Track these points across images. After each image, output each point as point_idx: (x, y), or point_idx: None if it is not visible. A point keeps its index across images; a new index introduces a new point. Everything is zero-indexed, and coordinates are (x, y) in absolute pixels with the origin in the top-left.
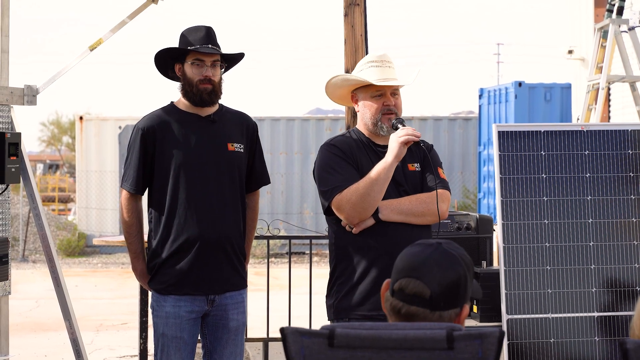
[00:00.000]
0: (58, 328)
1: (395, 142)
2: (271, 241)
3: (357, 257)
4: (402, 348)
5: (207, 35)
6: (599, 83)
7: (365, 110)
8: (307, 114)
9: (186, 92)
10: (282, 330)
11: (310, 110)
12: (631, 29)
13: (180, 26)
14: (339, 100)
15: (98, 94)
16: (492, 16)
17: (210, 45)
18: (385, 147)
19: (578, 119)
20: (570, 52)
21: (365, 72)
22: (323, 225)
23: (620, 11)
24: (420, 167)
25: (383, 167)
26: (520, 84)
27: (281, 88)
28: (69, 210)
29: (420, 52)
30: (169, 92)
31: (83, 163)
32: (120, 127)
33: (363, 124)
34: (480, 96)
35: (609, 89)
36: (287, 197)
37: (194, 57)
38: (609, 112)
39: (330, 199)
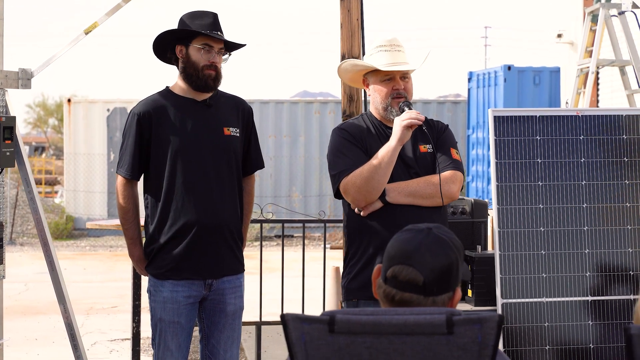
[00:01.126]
0: (48, 311)
1: (398, 125)
2: (256, 224)
3: (367, 239)
4: (402, 333)
5: (215, 21)
6: (588, 67)
7: (376, 95)
8: (294, 96)
9: (189, 75)
10: (282, 316)
11: (297, 93)
12: (621, 13)
13: (171, 10)
14: (352, 83)
15: (85, 76)
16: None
17: (219, 33)
18: None
19: (567, 102)
20: (559, 36)
21: (374, 56)
22: (311, 209)
23: None
24: (433, 148)
25: (387, 151)
26: (509, 67)
27: (268, 70)
28: (56, 192)
29: (410, 36)
30: (157, 75)
31: (71, 146)
32: (108, 110)
33: (374, 108)
34: (470, 79)
35: (597, 73)
36: (276, 180)
37: (202, 41)
38: (598, 96)
39: (337, 182)
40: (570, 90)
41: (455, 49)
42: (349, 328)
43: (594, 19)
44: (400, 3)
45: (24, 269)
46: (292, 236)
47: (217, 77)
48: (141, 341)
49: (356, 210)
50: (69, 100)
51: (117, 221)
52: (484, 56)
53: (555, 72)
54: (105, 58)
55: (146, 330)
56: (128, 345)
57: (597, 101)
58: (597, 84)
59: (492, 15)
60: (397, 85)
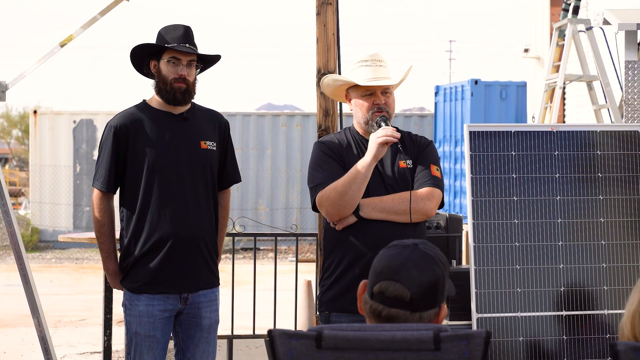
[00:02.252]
0: (16, 324)
1: (374, 142)
2: (227, 238)
3: (341, 252)
4: (389, 349)
5: (185, 34)
6: (556, 82)
7: (357, 110)
8: (258, 109)
9: (160, 89)
10: (269, 332)
11: (262, 105)
12: (589, 28)
13: (140, 23)
14: (336, 97)
15: (49, 88)
16: (445, 14)
17: (187, 45)
18: None
19: (533, 117)
20: (526, 50)
21: (356, 71)
22: (278, 222)
23: (576, 10)
24: (413, 164)
25: (362, 167)
26: (476, 81)
27: (232, 83)
28: (20, 204)
29: (375, 50)
30: (124, 88)
31: (37, 157)
32: (74, 122)
33: (357, 123)
34: (437, 93)
35: (564, 88)
36: (243, 193)
37: (170, 55)
38: (564, 110)
39: (314, 195)
40: (537, 105)
41: (420, 63)
42: (336, 344)
43: (561, 34)
44: (363, 17)
45: None
46: (259, 249)
47: (188, 90)
48: (112, 355)
49: (331, 224)
50: (34, 112)
51: (89, 234)
52: (449, 70)
53: (522, 86)
54: (70, 69)
55: (117, 344)
56: (98, 358)
57: (564, 116)
58: (564, 99)
59: (457, 29)
60: (377, 100)
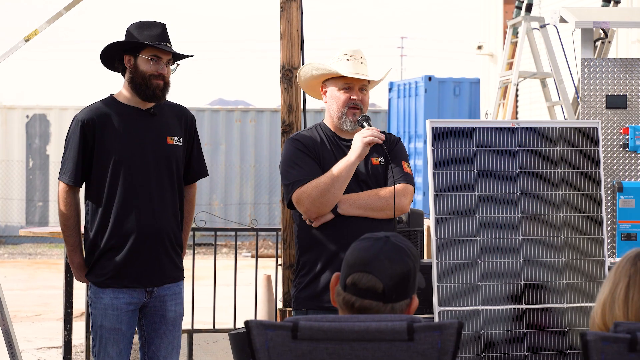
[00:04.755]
0: None
1: (359, 141)
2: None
3: (318, 250)
4: (363, 340)
5: (163, 32)
6: (509, 79)
7: (332, 102)
8: (209, 104)
9: (137, 85)
10: (246, 323)
11: (213, 101)
12: (543, 26)
13: (97, 17)
14: (309, 90)
15: (2, 82)
16: (396, 9)
17: (167, 44)
18: (350, 141)
19: (487, 114)
20: (479, 47)
21: (337, 64)
22: (232, 217)
23: (529, 8)
24: (385, 161)
25: (345, 165)
26: (430, 78)
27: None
28: None
29: (325, 45)
30: (80, 83)
31: None
32: (27, 117)
33: (329, 117)
34: (390, 90)
35: (517, 84)
36: (197, 188)
37: (151, 52)
38: (517, 107)
39: (290, 192)
40: (490, 102)
41: (372, 59)
42: (311, 334)
43: (515, 31)
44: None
45: None
46: (211, 244)
47: (166, 87)
48: (72, 349)
49: (307, 221)
50: None
51: (51, 229)
52: (400, 66)
53: (475, 83)
54: (24, 64)
55: (76, 339)
56: (55, 353)
57: (517, 112)
58: (517, 96)
59: (409, 25)
60: (354, 95)
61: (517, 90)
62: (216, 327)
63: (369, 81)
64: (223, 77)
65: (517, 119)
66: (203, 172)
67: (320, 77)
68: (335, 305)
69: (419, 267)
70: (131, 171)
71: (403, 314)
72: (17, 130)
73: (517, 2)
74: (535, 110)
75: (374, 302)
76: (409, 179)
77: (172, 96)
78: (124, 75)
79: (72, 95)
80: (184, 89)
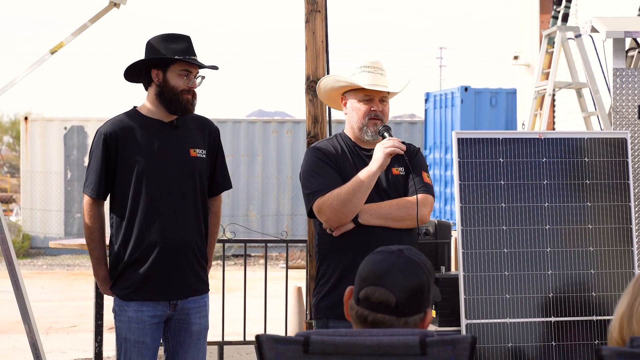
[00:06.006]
0: (7, 331)
1: (381, 152)
2: (217, 244)
3: (338, 259)
4: (375, 354)
5: (190, 46)
6: (545, 89)
7: (353, 114)
8: (249, 115)
9: (167, 99)
10: (257, 337)
11: (252, 112)
12: (577, 36)
13: (129, 29)
14: (329, 101)
15: (40, 94)
16: (434, 20)
17: (195, 58)
18: (370, 151)
19: (523, 124)
20: (515, 57)
21: (357, 76)
22: (269, 229)
23: (565, 18)
24: (405, 171)
25: (367, 175)
26: (466, 88)
27: (222, 89)
28: (11, 211)
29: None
30: (115, 95)
31: (28, 164)
32: (65, 128)
33: (349, 128)
34: (427, 100)
35: (554, 95)
36: (233, 200)
37: (182, 67)
38: (554, 117)
39: (312, 202)
40: (526, 112)
41: (410, 70)
42: (323, 349)
43: (551, 41)
44: (352, 24)
45: None
46: (250, 255)
47: (194, 100)
48: None
49: (328, 230)
50: (25, 118)
51: (80, 240)
52: (439, 77)
53: (512, 93)
54: (62, 76)
55: (108, 350)
56: None
57: (554, 123)
58: (554, 106)
59: (447, 36)
60: (375, 106)
61: (554, 100)
62: (247, 339)
63: (388, 92)
64: (263, 88)
65: (554, 129)
66: (227, 185)
67: (340, 89)
68: (348, 318)
69: (433, 281)
70: (154, 184)
71: (417, 328)
72: (55, 142)
73: (553, 12)
74: (572, 120)
75: (387, 316)
76: (428, 189)
77: (212, 108)
78: (146, 88)
79: (109, 106)
80: (225, 100)
